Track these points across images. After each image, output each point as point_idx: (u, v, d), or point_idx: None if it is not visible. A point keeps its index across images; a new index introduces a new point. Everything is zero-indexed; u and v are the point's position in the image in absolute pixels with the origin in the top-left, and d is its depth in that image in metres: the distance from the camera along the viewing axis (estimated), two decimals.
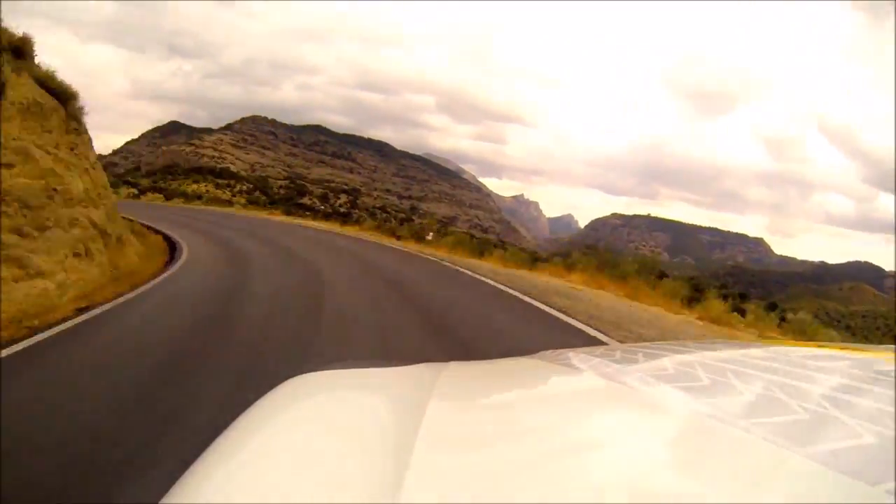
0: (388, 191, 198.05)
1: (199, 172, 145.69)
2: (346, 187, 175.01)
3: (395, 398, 0.61)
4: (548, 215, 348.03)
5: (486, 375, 0.80)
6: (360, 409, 0.60)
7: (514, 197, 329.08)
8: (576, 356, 0.79)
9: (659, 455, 0.46)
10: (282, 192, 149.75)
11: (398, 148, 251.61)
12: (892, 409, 0.49)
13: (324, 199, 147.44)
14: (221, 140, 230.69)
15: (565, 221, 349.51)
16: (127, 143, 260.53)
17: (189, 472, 0.46)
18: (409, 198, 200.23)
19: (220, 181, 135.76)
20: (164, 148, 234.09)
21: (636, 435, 0.51)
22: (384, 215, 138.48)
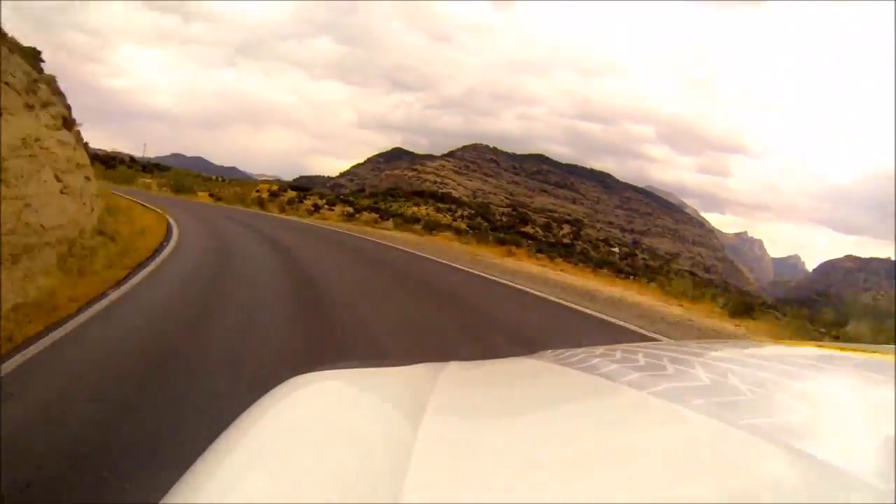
0: (610, 223, 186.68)
1: (420, 196, 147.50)
2: (568, 217, 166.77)
3: (395, 398, 0.61)
4: (772, 255, 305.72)
5: (485, 376, 0.80)
6: (359, 409, 0.60)
7: (736, 234, 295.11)
8: (576, 356, 0.79)
9: (659, 455, 0.46)
10: (504, 219, 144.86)
11: (620, 179, 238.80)
12: (892, 410, 0.49)
13: (546, 228, 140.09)
14: (443, 166, 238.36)
15: (791, 263, 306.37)
16: (353, 167, 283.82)
17: (189, 472, 0.46)
18: (632, 231, 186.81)
19: (440, 205, 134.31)
20: (386, 172, 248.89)
21: (636, 435, 0.51)
22: (607, 248, 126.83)
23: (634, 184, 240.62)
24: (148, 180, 44.18)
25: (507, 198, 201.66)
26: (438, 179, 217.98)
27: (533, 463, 0.44)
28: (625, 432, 0.52)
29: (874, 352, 0.81)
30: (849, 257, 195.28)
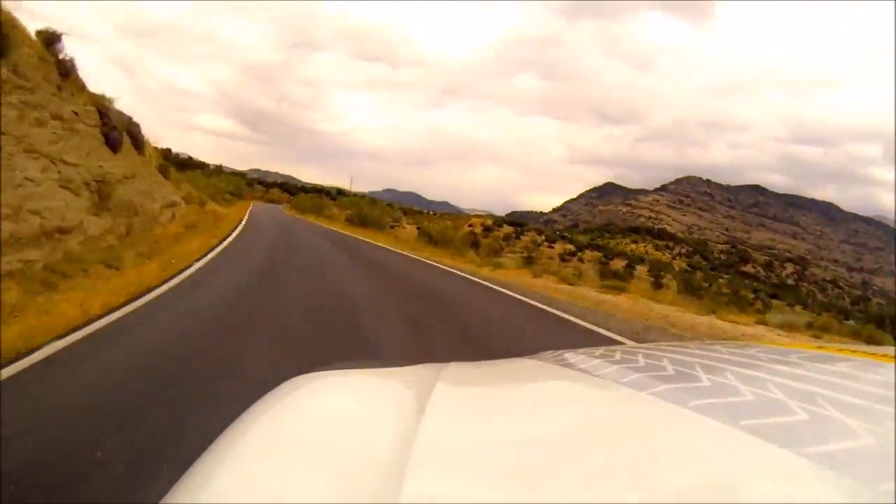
0: (835, 261, 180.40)
1: (637, 232, 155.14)
2: (790, 255, 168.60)
3: (395, 398, 0.62)
4: None
5: (485, 376, 0.81)
6: (359, 409, 0.61)
7: None
8: (575, 357, 0.80)
9: (659, 456, 0.46)
10: (722, 256, 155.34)
11: (845, 209, 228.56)
12: (892, 411, 0.49)
13: (768, 267, 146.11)
14: (657, 201, 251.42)
15: None
16: (566, 203, 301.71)
17: (189, 472, 0.47)
18: (860, 270, 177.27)
19: (658, 242, 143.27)
20: (600, 207, 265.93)
21: (636, 436, 0.52)
22: (836, 291, 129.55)
23: (861, 213, 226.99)
24: (335, 210, 44.06)
25: (723, 233, 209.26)
26: (653, 215, 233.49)
27: (532, 463, 0.44)
28: (624, 433, 0.53)
29: (874, 353, 0.81)
30: None
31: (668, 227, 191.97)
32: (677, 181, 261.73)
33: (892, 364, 0.72)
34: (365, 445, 0.48)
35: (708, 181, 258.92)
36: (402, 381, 0.70)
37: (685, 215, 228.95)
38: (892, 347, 0.85)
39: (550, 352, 0.90)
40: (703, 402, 0.53)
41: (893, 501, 0.34)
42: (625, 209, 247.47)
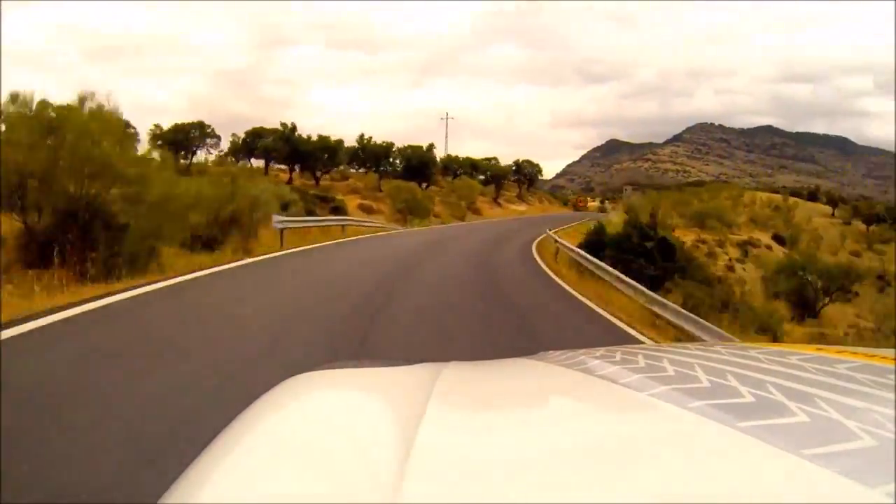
0: (863, 196, 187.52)
1: (668, 189, 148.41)
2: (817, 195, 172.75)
3: (395, 398, 0.62)
4: None
5: (485, 376, 0.81)
6: (359, 408, 0.61)
7: None
8: (575, 357, 0.80)
9: (659, 456, 0.46)
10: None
11: (858, 143, 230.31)
12: (892, 412, 0.49)
13: None
14: (676, 152, 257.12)
15: None
16: (567, 166, 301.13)
17: (188, 471, 0.47)
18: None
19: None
20: (616, 167, 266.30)
21: (636, 436, 0.52)
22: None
23: (878, 146, 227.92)
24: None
25: (751, 180, 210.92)
26: (678, 167, 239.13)
27: (532, 464, 0.44)
28: (624, 434, 0.53)
29: (874, 355, 0.81)
30: None
31: (700, 180, 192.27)
32: (689, 129, 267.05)
33: (892, 366, 0.72)
34: (364, 445, 0.48)
35: (721, 126, 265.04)
36: (401, 380, 0.70)
37: (707, 164, 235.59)
38: (892, 349, 0.86)
39: (550, 352, 0.90)
40: (703, 403, 0.53)
41: (893, 502, 0.34)
42: (646, 165, 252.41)
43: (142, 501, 1.95)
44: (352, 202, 32.42)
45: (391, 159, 43.77)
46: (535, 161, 61.40)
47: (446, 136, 65.55)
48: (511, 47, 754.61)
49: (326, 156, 38.77)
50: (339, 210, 25.38)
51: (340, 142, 39.88)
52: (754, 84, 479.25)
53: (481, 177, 51.44)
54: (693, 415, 0.51)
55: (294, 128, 39.04)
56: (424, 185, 42.79)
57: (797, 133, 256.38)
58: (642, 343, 5.53)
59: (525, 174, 59.93)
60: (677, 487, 0.40)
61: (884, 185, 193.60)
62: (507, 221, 34.27)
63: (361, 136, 44.16)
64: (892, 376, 0.65)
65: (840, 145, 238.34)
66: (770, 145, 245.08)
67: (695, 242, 32.40)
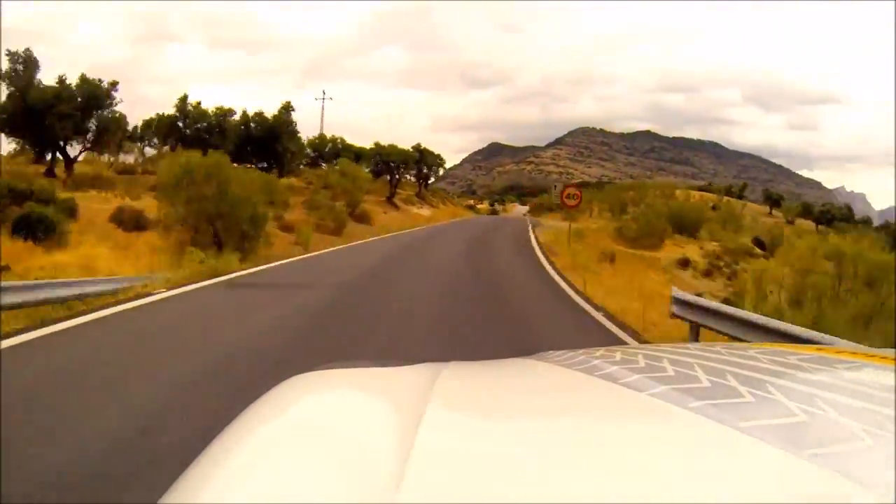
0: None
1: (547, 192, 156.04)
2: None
3: (395, 398, 0.61)
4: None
5: (485, 376, 0.81)
6: (358, 409, 0.61)
7: (834, 190, 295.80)
8: (575, 357, 0.80)
9: (659, 457, 0.46)
10: None
11: (729, 147, 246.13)
12: (892, 412, 0.49)
13: None
14: (558, 155, 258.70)
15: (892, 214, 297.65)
16: (449, 169, 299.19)
17: (188, 471, 0.47)
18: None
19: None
20: (498, 169, 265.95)
21: (636, 436, 0.52)
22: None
23: (747, 151, 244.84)
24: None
25: (631, 180, 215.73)
26: (562, 170, 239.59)
27: (532, 464, 0.44)
28: (624, 434, 0.53)
29: (873, 355, 0.82)
30: None
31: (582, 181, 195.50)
32: (571, 133, 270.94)
33: (892, 366, 0.72)
34: (364, 445, 0.48)
35: (602, 131, 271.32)
36: (401, 380, 0.69)
37: (590, 167, 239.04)
38: (892, 350, 0.86)
39: (550, 352, 0.89)
40: (703, 404, 0.52)
41: (893, 502, 0.34)
42: (529, 167, 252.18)
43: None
44: (105, 207, 16.13)
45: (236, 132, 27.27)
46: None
47: (322, 117, 47.84)
48: (396, 49, 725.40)
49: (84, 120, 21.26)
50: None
51: (108, 90, 22.20)
52: (633, 93, 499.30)
53: (367, 169, 35.32)
54: (693, 415, 0.51)
55: (29, 61, 21.02)
56: (277, 173, 26.71)
57: (674, 138, 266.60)
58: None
59: (428, 166, 44.77)
60: (677, 487, 0.40)
61: (752, 185, 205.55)
62: (428, 239, 19.68)
63: (183, 98, 27.37)
64: (892, 376, 0.67)
65: (713, 149, 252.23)
66: (649, 149, 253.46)
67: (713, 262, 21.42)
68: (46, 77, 21.80)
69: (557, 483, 0.41)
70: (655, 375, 0.64)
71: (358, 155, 36.99)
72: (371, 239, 18.83)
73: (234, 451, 0.50)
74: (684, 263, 20.27)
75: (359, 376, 0.71)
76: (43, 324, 4.68)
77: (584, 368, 0.72)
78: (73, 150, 22.02)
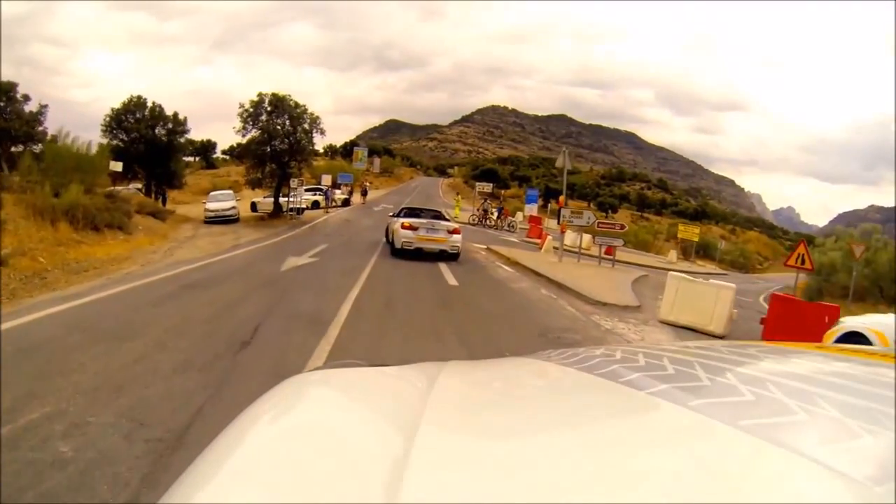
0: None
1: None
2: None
3: (394, 398, 0.61)
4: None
5: (484, 375, 0.79)
6: (358, 409, 0.59)
7: (744, 190, 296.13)
8: (575, 356, 0.79)
9: (659, 455, 0.46)
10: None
11: (646, 140, 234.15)
12: (891, 411, 0.49)
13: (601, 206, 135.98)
14: (466, 132, 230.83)
15: (786, 214, 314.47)
16: (343, 144, 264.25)
17: (188, 471, 0.46)
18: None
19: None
20: (395, 146, 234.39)
21: (636, 434, 0.51)
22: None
23: (660, 144, 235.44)
24: None
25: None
26: (469, 147, 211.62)
27: (532, 462, 0.44)
28: (624, 432, 0.52)
29: (873, 353, 0.81)
30: (874, 207, 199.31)
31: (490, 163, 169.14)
32: (481, 111, 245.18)
33: (891, 364, 0.72)
34: (364, 444, 0.47)
35: (515, 111, 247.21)
36: (401, 380, 0.69)
37: (502, 148, 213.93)
38: (892, 348, 0.86)
39: (550, 351, 0.89)
40: (703, 402, 0.52)
41: (893, 501, 0.34)
42: (431, 144, 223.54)
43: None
44: None
45: None
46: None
47: None
48: (308, 27, 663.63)
49: None
50: None
51: None
52: (548, 85, 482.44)
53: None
54: (693, 413, 0.51)
55: None
56: None
57: (591, 125, 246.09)
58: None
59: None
60: (678, 485, 0.40)
61: (672, 178, 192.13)
62: None
63: None
64: (892, 375, 0.68)
65: (631, 140, 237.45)
66: (566, 133, 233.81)
67: None
68: None
69: (558, 482, 0.40)
70: (656, 374, 0.64)
71: None
72: None
73: (234, 450, 0.49)
74: None
75: (358, 376, 0.70)
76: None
77: (585, 367, 0.71)
78: None
